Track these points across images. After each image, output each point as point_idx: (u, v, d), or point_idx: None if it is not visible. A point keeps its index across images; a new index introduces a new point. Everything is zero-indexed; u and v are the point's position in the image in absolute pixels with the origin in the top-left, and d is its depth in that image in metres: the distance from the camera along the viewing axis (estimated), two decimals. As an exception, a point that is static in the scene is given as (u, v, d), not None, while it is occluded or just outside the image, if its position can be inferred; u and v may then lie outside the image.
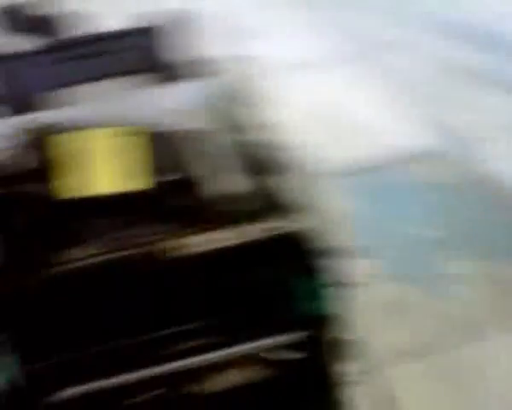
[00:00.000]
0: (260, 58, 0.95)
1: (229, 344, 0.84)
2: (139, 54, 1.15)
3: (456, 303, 1.18)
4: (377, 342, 0.96)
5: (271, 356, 0.88)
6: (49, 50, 1.15)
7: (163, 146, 0.90)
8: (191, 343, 0.81)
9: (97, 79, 1.12)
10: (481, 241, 1.31)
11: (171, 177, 0.86)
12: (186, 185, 0.86)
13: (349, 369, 0.91)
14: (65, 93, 1.10)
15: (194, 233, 0.75)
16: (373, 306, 1.17)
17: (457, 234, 1.31)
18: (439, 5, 2.41)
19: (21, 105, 1.04)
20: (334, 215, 0.73)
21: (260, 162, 0.88)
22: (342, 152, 1.51)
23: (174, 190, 0.85)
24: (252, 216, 0.80)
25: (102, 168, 0.86)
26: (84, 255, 0.79)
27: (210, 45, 1.20)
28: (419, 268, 1.25)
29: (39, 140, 0.90)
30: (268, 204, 0.85)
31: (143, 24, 1.17)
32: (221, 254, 0.73)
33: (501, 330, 1.12)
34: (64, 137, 0.89)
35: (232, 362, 0.90)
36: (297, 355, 0.88)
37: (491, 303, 1.17)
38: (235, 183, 0.87)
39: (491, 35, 2.26)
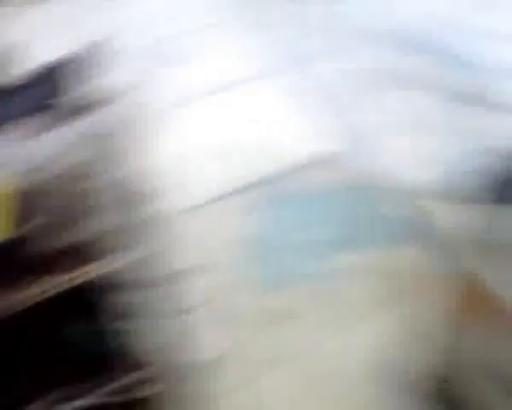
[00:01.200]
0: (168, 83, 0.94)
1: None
2: (41, 96, 0.99)
3: (336, 298, 1.19)
4: (246, 354, 0.94)
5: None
6: None
7: (34, 193, 0.86)
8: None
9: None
10: (366, 235, 1.35)
11: (34, 223, 0.82)
12: (44, 231, 0.82)
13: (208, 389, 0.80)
14: None
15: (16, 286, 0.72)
16: (249, 316, 1.09)
17: (348, 231, 1.36)
18: (368, 12, 2.49)
19: None
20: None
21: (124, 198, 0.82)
22: (233, 172, 1.45)
23: (33, 237, 0.81)
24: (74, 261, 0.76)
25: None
26: None
27: (118, 71, 1.15)
28: (305, 269, 1.24)
29: None
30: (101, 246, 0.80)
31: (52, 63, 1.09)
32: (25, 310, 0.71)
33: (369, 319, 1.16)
34: None
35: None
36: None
37: (365, 293, 1.20)
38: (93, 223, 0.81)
39: (417, 39, 2.33)
